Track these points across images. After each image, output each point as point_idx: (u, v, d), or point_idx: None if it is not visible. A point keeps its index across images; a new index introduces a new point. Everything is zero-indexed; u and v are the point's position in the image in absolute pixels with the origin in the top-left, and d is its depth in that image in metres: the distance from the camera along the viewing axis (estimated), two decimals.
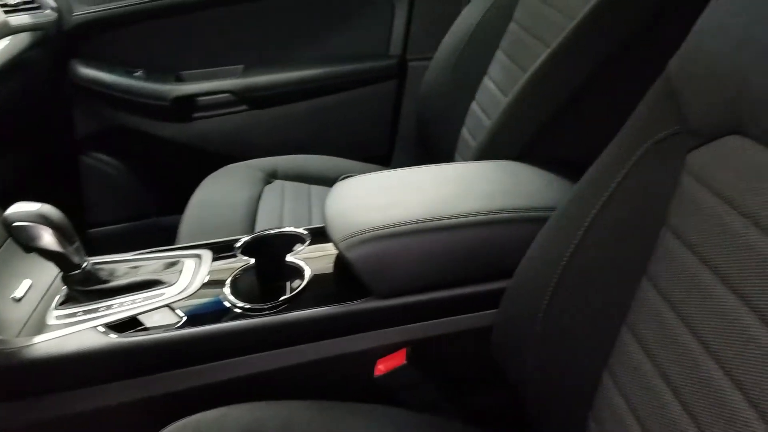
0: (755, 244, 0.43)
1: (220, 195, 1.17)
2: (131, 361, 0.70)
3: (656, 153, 0.56)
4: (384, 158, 1.52)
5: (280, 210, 1.14)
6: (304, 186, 1.24)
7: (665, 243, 0.54)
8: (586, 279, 0.60)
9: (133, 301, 0.74)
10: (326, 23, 1.41)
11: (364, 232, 0.70)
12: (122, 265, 0.81)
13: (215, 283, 0.77)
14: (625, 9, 0.80)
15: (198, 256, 0.82)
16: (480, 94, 1.20)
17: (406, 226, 0.70)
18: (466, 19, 1.21)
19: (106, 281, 0.77)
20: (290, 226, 0.88)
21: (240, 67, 1.42)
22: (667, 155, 0.55)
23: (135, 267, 0.81)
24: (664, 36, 0.81)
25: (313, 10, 1.40)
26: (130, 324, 0.72)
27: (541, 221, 0.68)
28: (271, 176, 1.25)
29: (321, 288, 0.77)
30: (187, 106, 1.43)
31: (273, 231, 0.87)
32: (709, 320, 0.47)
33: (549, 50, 0.86)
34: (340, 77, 1.41)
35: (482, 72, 1.20)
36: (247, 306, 0.73)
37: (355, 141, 1.49)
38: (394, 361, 0.74)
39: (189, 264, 0.81)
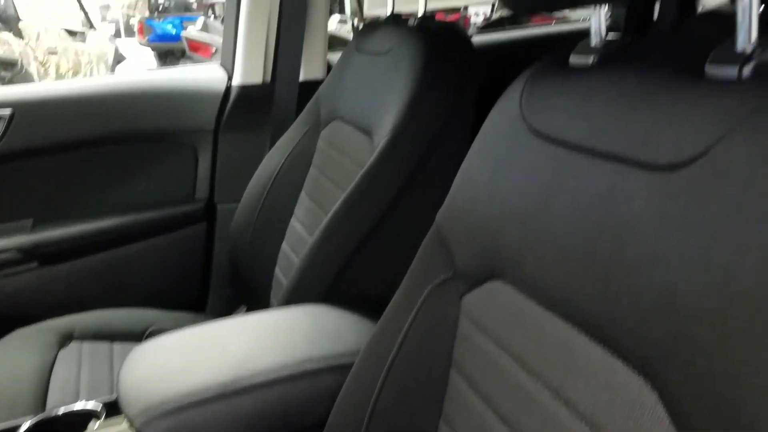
0: (523, 384, 0.48)
1: (3, 367, 1.03)
2: None
3: (437, 297, 0.61)
4: (198, 303, 1.46)
5: (77, 378, 1.03)
6: (105, 345, 1.13)
7: (454, 383, 0.57)
8: (391, 423, 0.61)
9: None
10: (126, 170, 1.37)
11: (163, 404, 0.65)
12: None
13: None
14: (401, 158, 0.90)
15: None
16: (289, 235, 1.23)
17: (209, 393, 0.67)
18: (270, 163, 1.26)
19: None
20: (86, 400, 0.79)
21: (28, 221, 1.31)
22: (445, 299, 0.60)
23: None
24: (434, 180, 0.92)
25: (111, 158, 1.35)
26: None
27: (347, 367, 0.69)
28: (66, 338, 1.13)
29: None
30: None
31: (61, 411, 0.77)
32: None
33: (344, 195, 0.92)
34: (143, 224, 1.36)
35: (289, 213, 1.24)
36: None
37: (164, 289, 1.41)
38: None
39: None
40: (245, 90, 1.37)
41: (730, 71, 0.38)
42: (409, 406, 0.61)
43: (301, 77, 1.39)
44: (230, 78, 1.38)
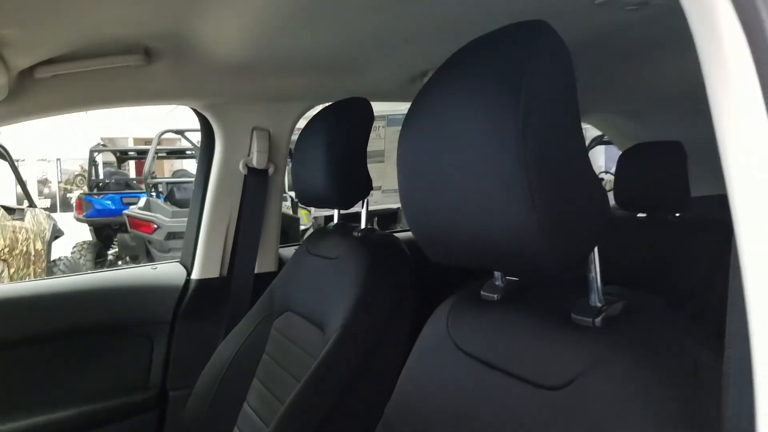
0: None
1: None
2: None
3: None
4: None
5: None
6: None
7: None
8: None
9: None
10: (78, 363, 1.40)
11: None
12: None
13: None
14: (352, 349, 1.03)
15: None
16: (241, 421, 1.30)
17: None
18: (225, 350, 1.35)
19: None
20: None
21: None
22: None
23: None
24: (382, 372, 1.04)
25: (64, 353, 1.38)
26: None
27: None
28: None
29: None
30: None
31: None
32: None
33: (299, 386, 1.02)
34: (94, 416, 1.37)
35: (242, 399, 1.31)
36: None
37: None
38: None
39: None
40: (203, 283, 1.50)
41: (587, 320, 0.58)
42: None
43: (256, 270, 1.55)
44: (189, 273, 1.51)
